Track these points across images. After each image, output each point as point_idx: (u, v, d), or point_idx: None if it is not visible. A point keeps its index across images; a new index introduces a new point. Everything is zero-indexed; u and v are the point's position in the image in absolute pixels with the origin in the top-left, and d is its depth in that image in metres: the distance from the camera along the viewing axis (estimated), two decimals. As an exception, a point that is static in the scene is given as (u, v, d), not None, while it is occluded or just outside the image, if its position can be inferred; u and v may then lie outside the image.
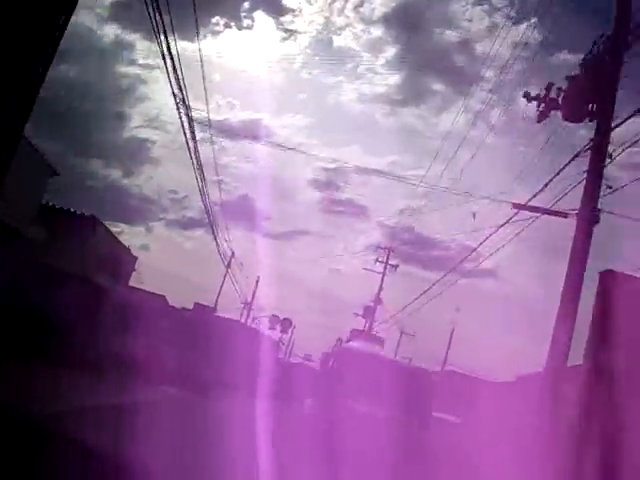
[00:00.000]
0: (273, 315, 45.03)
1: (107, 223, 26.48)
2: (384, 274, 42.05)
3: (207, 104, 23.54)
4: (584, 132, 13.25)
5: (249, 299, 45.85)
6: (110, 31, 75.57)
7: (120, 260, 27.84)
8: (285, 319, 45.95)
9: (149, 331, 21.04)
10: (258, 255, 51.17)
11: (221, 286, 42.28)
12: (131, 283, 30.90)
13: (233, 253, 39.93)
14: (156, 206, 73.81)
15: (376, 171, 75.65)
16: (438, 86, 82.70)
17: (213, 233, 28.74)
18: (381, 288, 41.98)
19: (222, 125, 73.19)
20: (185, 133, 15.49)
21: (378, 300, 42.09)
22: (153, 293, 30.02)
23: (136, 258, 31.46)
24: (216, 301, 41.83)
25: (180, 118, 15.29)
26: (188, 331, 25.61)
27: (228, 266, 38.60)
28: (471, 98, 71.01)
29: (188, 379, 22.34)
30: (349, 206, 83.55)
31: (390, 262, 42.15)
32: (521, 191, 16.33)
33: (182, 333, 24.80)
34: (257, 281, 46.15)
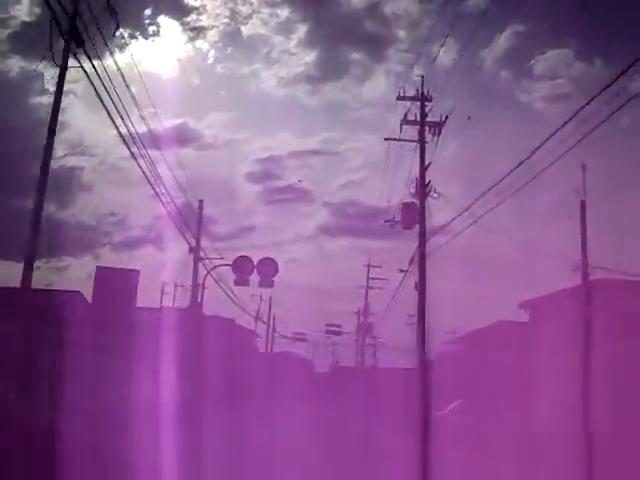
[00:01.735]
0: (241, 256, 26.07)
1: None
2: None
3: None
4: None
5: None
6: (14, 64, 72.73)
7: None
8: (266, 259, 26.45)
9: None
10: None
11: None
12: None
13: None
14: (98, 232, 71.79)
15: (310, 152, 74.31)
16: (356, 55, 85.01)
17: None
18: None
19: (147, 136, 70.12)
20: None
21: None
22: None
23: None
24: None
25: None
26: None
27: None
28: (389, 61, 72.56)
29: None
30: (291, 192, 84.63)
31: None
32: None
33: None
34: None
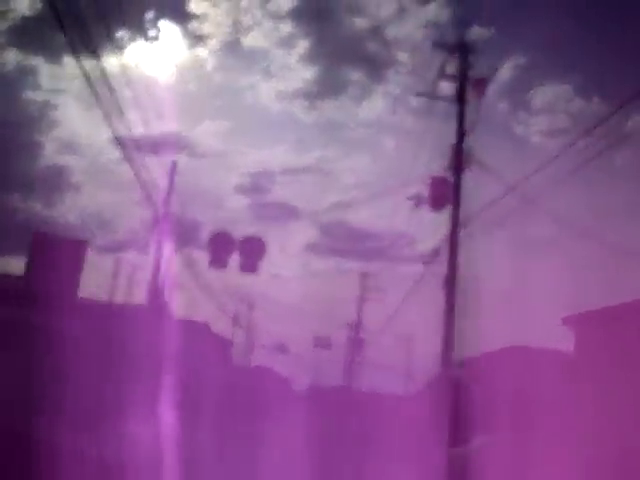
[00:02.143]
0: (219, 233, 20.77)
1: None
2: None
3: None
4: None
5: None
6: (10, 57, 70.47)
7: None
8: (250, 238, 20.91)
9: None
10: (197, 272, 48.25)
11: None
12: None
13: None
14: (83, 234, 69.14)
15: (302, 169, 71.92)
16: (355, 75, 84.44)
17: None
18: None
19: (139, 140, 68.29)
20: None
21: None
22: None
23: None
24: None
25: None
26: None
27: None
28: (388, 83, 74.69)
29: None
30: (280, 208, 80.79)
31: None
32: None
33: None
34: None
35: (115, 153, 58.64)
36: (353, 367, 45.43)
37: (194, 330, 31.95)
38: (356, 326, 43.77)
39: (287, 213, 79.64)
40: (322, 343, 43.48)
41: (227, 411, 29.06)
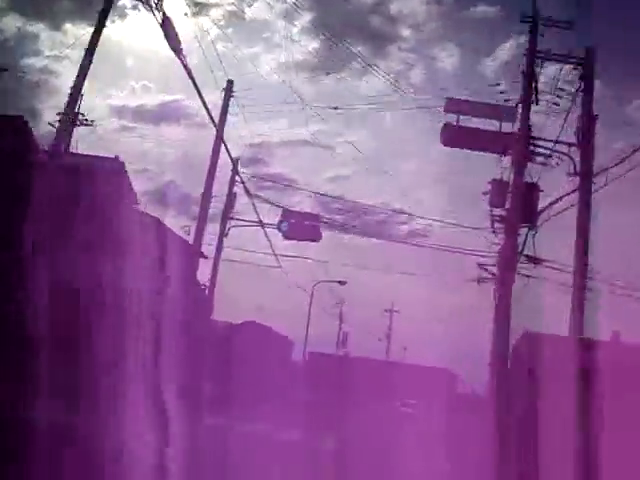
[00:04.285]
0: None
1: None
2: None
3: None
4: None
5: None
6: (10, 23, 68.64)
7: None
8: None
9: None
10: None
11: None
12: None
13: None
14: None
15: (301, 142, 72.03)
16: (358, 49, 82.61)
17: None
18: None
19: (139, 110, 68.69)
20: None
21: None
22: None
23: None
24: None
25: None
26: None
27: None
28: (391, 59, 71.08)
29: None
30: (278, 180, 79.80)
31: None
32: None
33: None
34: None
35: (116, 122, 60.53)
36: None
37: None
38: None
39: (284, 186, 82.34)
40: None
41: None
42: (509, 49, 68.22)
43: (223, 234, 21.83)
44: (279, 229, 21.23)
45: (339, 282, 36.77)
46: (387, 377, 47.42)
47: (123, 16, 65.36)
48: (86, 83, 13.67)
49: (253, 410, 23.00)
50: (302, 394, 31.99)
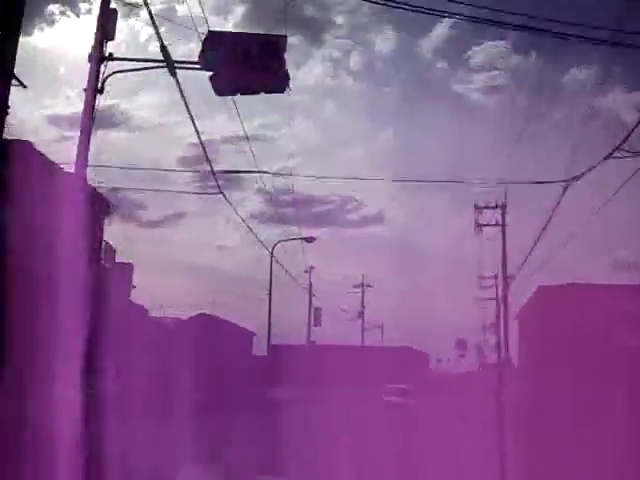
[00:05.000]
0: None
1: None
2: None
3: None
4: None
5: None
6: None
7: None
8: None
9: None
10: (139, 245, 51.19)
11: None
12: None
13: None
14: None
15: (244, 137, 67.96)
16: (293, 39, 78.72)
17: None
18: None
19: (76, 118, 63.87)
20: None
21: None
22: None
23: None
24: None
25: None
26: None
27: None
28: (327, 46, 74.11)
29: None
30: (223, 178, 77.01)
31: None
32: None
33: None
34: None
35: (54, 131, 57.16)
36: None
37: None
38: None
39: (231, 183, 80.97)
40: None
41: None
42: (444, 28, 67.96)
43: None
44: (203, 66, 8.96)
45: (305, 239, 29.94)
46: (360, 365, 42.44)
47: (52, 23, 62.69)
48: (19, 93, 9.02)
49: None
50: (261, 393, 25.98)
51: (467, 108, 67.00)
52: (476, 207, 23.72)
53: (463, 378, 52.49)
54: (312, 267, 39.53)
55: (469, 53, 79.15)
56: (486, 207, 23.75)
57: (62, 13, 75.76)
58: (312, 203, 62.30)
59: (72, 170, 10.20)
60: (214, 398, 24.90)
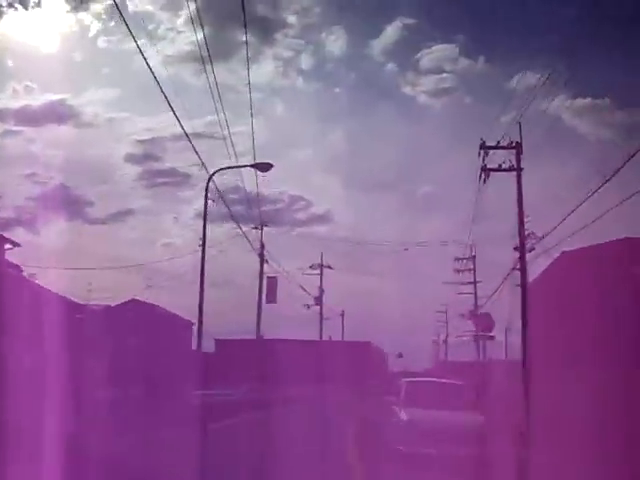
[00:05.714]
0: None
1: None
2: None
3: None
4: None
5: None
6: None
7: None
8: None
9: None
10: (87, 243, 51.50)
11: None
12: None
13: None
14: None
15: (194, 135, 63.90)
16: (244, 38, 74.63)
17: None
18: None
19: (23, 112, 63.20)
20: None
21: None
22: None
23: None
24: None
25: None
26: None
27: None
28: (278, 46, 72.81)
29: None
30: (172, 176, 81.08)
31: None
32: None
33: None
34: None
35: None
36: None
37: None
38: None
39: (179, 181, 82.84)
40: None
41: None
42: (395, 29, 68.94)
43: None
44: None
45: (257, 166, 22.51)
46: (316, 361, 37.65)
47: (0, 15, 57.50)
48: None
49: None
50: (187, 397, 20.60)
51: (416, 109, 69.28)
52: (482, 147, 18.67)
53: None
54: (265, 224, 33.36)
55: (418, 55, 79.64)
56: (496, 147, 18.64)
57: (10, 5, 71.62)
58: (260, 201, 59.42)
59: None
60: (130, 398, 20.06)
